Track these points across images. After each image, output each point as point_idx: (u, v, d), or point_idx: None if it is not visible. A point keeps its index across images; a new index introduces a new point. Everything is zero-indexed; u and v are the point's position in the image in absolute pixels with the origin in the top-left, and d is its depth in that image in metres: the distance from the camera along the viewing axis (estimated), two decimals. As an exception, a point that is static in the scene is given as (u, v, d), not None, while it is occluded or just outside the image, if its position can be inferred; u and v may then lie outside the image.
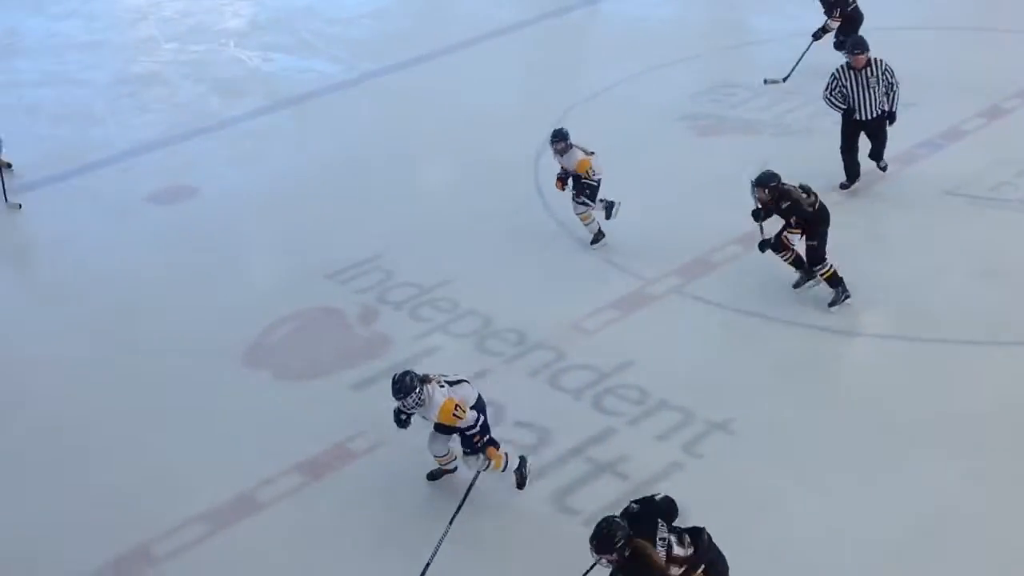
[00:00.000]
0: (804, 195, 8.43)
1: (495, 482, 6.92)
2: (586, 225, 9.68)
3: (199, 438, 7.84)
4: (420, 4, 17.14)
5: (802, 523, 6.61)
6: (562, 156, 9.44)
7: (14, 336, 9.29)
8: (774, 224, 8.60)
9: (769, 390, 7.80)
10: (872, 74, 9.85)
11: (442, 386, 6.61)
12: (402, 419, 6.77)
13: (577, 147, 9.43)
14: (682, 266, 9.34)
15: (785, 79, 12.26)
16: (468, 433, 6.67)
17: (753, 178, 8.45)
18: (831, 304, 8.64)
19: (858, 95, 9.92)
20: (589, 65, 14.21)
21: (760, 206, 8.54)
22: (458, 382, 6.74)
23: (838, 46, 11.93)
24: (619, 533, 5.15)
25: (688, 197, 10.39)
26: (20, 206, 11.20)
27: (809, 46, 12.14)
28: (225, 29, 15.82)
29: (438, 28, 15.50)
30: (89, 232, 10.86)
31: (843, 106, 10.04)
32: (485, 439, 6.71)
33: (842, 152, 10.24)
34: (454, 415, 6.53)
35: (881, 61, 9.88)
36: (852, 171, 10.30)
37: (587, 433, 7.52)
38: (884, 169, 10.43)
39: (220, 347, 8.79)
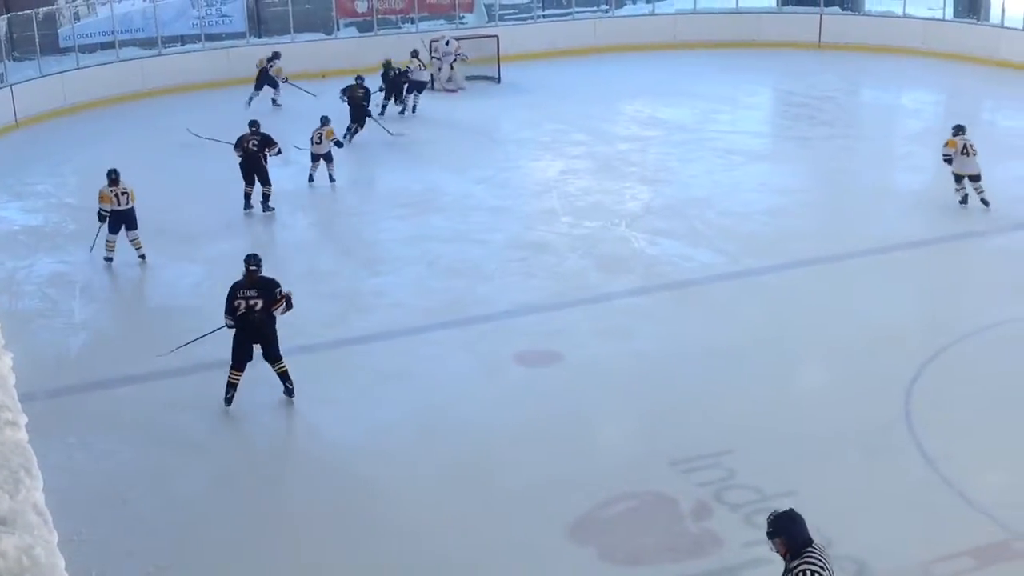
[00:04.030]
0: None
1: None
2: None
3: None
4: (823, 207, 16.84)
5: None
6: None
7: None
8: None
9: None
10: None
11: None
12: None
13: None
14: (1062, 527, 8.35)
15: None
16: None
17: None
18: None
19: None
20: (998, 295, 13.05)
21: None
22: None
23: None
24: None
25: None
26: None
27: None
28: (620, 210, 16.36)
29: (836, 233, 15.17)
30: (456, 379, 11.42)
31: None
32: None
33: None
34: None
35: None
36: None
37: None
38: None
39: (549, 513, 8.81)
